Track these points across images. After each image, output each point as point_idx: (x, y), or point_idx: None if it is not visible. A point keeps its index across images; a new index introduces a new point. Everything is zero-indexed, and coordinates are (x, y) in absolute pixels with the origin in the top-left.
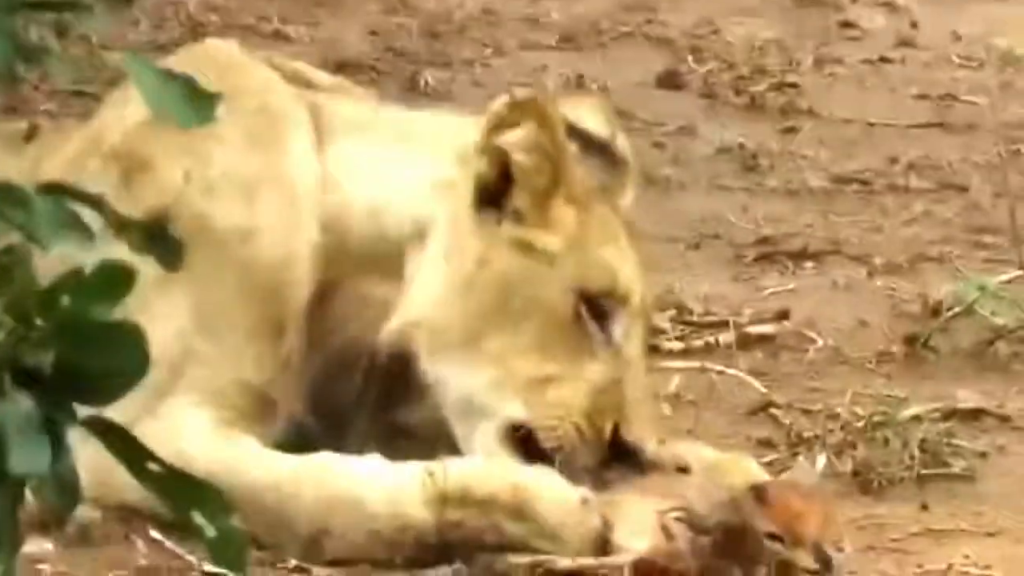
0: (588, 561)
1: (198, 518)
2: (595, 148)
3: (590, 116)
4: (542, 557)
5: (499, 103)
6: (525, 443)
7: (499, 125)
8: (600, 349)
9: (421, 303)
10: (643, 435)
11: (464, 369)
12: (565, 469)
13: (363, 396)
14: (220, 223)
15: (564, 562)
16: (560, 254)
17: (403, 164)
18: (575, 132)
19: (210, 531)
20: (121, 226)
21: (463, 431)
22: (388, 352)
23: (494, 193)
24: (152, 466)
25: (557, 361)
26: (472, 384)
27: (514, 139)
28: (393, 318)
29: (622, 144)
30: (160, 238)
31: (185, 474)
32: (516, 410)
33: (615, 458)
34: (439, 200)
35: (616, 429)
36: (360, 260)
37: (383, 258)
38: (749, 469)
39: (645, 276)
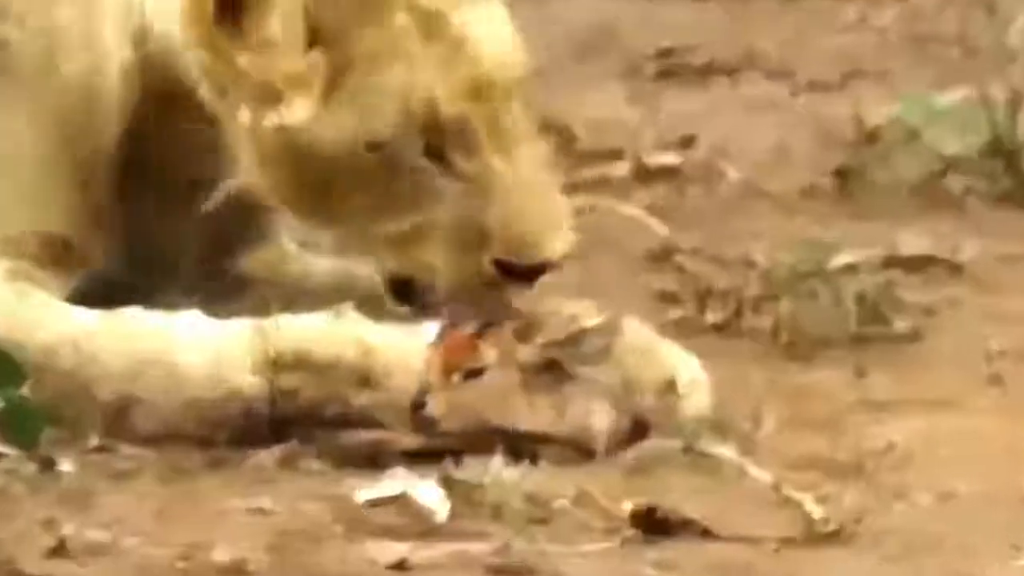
0: (435, 441)
1: None
2: None
3: None
4: (389, 435)
5: None
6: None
7: None
8: (448, 180)
9: (248, 171)
10: (537, 246)
11: (323, 231)
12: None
13: (189, 241)
14: (16, 49)
15: (412, 440)
16: (332, 115)
17: None
18: None
19: None
20: None
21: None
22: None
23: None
24: None
25: (403, 212)
26: (336, 245)
27: None
28: (232, 179)
29: None
30: None
31: None
32: (390, 265)
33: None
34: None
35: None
36: (162, 91)
37: (182, 95)
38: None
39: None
